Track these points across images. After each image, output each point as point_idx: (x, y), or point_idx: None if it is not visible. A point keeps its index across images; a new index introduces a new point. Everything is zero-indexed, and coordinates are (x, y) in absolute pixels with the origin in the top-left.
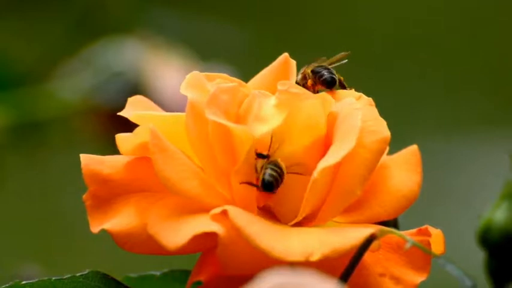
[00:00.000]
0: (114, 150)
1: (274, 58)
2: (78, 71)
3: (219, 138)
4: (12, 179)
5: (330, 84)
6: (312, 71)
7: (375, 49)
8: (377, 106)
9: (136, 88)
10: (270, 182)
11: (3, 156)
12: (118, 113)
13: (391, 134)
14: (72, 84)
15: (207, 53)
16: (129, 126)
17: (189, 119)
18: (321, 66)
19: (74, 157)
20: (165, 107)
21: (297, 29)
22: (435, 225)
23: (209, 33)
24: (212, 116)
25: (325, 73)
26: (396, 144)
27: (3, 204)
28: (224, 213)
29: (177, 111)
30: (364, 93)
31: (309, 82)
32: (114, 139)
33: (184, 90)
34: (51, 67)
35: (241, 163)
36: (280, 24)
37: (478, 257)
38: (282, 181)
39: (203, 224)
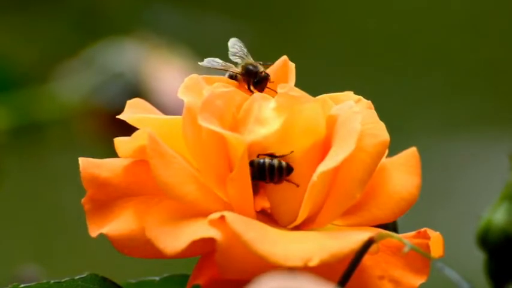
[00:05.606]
0: (113, 151)
1: (276, 57)
2: (78, 72)
3: (213, 145)
4: (11, 180)
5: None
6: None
7: (374, 49)
8: (376, 106)
9: (137, 89)
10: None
11: (2, 157)
12: (117, 116)
13: (390, 135)
14: (72, 85)
15: (208, 53)
16: (128, 127)
17: (186, 123)
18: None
19: (74, 158)
20: (166, 108)
21: (299, 28)
22: (435, 227)
23: (211, 33)
24: (204, 123)
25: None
26: (395, 145)
27: (3, 206)
28: (222, 218)
29: (178, 113)
30: (363, 93)
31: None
32: (113, 140)
33: (181, 94)
34: (51, 68)
35: (236, 170)
36: (282, 24)
37: (478, 258)
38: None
39: (201, 230)
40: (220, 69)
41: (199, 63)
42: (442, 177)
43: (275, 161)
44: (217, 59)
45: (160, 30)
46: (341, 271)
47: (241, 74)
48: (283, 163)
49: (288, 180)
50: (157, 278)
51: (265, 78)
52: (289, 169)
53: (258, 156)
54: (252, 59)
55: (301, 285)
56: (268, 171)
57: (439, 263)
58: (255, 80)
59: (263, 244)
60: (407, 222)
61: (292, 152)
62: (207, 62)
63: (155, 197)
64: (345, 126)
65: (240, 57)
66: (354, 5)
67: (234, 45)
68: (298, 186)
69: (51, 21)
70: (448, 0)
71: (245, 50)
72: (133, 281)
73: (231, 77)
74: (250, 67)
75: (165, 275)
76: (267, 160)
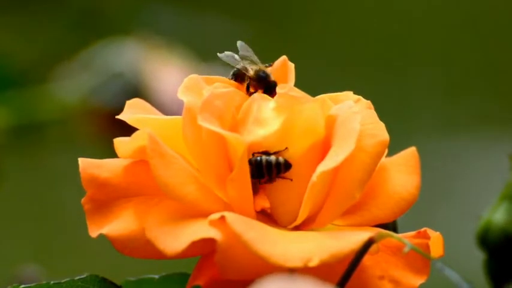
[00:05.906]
0: (113, 151)
1: (276, 57)
2: (77, 72)
3: (213, 145)
4: (11, 180)
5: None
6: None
7: (374, 49)
8: (376, 106)
9: (136, 89)
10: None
11: (2, 157)
12: (116, 116)
13: (390, 135)
14: (72, 86)
15: (208, 53)
16: (128, 127)
17: (186, 124)
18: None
19: (74, 158)
20: (165, 108)
21: (299, 28)
22: (435, 227)
23: (210, 34)
24: (204, 123)
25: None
26: (395, 145)
27: (3, 206)
28: (222, 218)
29: (177, 113)
30: (363, 93)
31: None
32: (113, 140)
33: (181, 94)
34: (51, 68)
35: (236, 171)
36: (282, 24)
37: (478, 258)
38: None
39: (201, 230)
40: (235, 67)
41: (218, 54)
42: (442, 177)
43: (272, 158)
44: (237, 56)
45: (160, 30)
46: (341, 271)
47: (252, 79)
48: (281, 159)
49: (283, 177)
50: (156, 276)
51: (275, 87)
52: (287, 165)
53: (253, 154)
54: (262, 66)
55: (301, 287)
56: (265, 169)
57: (439, 263)
58: (263, 87)
59: (263, 244)
60: (407, 222)
61: (286, 148)
62: (225, 55)
63: (155, 197)
64: (345, 126)
65: (251, 61)
66: (354, 5)
67: (244, 47)
68: (291, 180)
69: (51, 21)
70: (448, 0)
71: (256, 57)
72: (132, 279)
73: (236, 75)
74: (263, 74)
75: (164, 273)
76: (264, 157)
